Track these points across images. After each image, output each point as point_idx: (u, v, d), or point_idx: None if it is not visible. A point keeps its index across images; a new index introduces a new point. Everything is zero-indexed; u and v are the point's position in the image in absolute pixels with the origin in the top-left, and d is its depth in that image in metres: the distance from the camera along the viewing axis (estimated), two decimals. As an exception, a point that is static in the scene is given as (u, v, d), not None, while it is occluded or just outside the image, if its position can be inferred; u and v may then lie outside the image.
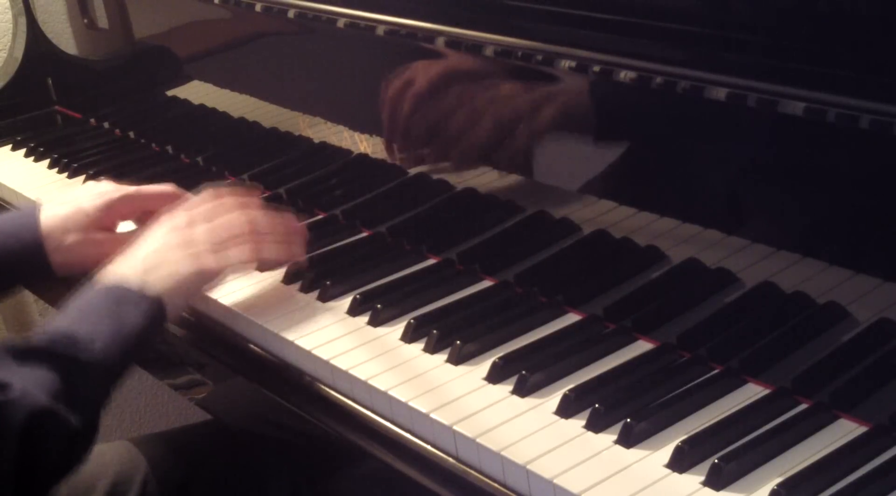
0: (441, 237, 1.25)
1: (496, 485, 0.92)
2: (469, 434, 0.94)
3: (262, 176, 1.49)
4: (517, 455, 0.90)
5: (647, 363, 1.01)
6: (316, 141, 1.42)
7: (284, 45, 1.44)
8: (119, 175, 1.56)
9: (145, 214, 1.27)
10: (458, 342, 1.05)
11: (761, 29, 0.94)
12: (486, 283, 1.18)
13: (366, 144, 1.34)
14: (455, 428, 0.95)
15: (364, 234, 1.32)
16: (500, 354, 1.03)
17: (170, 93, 1.67)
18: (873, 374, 0.92)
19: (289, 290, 1.20)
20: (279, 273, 1.22)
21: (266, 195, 1.46)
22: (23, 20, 1.85)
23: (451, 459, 0.95)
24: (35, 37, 1.87)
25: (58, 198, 1.27)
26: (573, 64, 1.06)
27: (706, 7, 0.99)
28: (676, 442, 0.89)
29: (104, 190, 1.26)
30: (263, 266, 1.21)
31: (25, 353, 0.98)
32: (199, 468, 1.30)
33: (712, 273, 1.02)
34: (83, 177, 1.59)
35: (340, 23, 1.29)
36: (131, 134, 1.75)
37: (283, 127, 1.47)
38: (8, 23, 1.88)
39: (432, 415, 0.97)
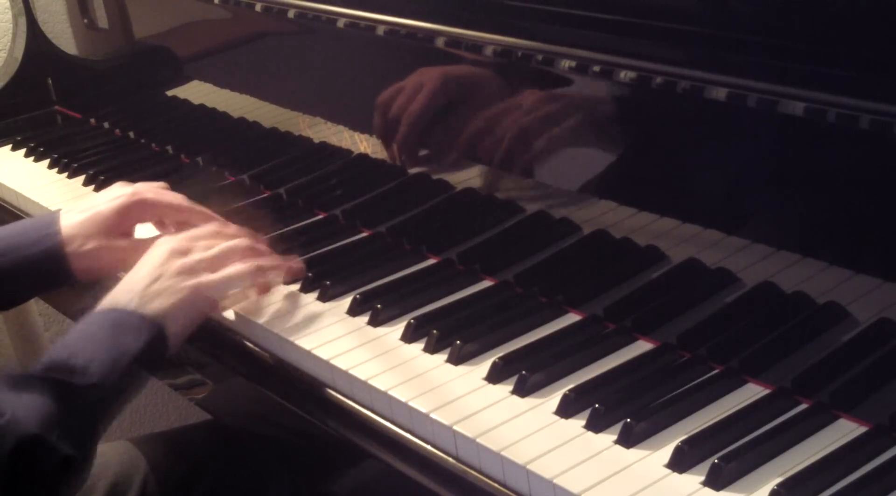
0: (441, 237, 1.25)
1: (496, 485, 0.92)
2: (469, 434, 0.94)
3: (262, 176, 1.49)
4: (517, 455, 0.90)
5: (647, 363, 1.01)
6: (316, 141, 1.42)
7: (284, 45, 1.44)
8: (119, 175, 1.57)
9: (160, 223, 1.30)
10: (458, 342, 1.05)
11: (761, 29, 0.94)
12: (486, 283, 1.18)
13: (366, 144, 1.34)
14: (455, 428, 0.95)
15: (364, 234, 1.32)
16: (500, 354, 1.03)
17: (170, 93, 1.67)
18: (873, 374, 0.92)
19: (289, 290, 1.20)
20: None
21: (266, 195, 1.46)
22: (23, 20, 1.85)
23: (451, 459, 0.95)
24: (35, 37, 1.87)
25: (77, 205, 1.28)
26: (573, 64, 1.06)
27: (706, 7, 0.99)
28: (676, 442, 0.89)
29: (121, 194, 1.27)
30: (262, 289, 1.19)
31: (20, 381, 0.98)
32: (199, 468, 1.30)
33: (712, 273, 1.02)
34: (83, 177, 1.59)
35: (340, 23, 1.29)
36: (131, 134, 1.75)
37: (283, 127, 1.47)
38: (8, 23, 1.88)
39: (432, 415, 0.97)
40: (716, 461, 0.86)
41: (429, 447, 0.97)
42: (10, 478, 0.93)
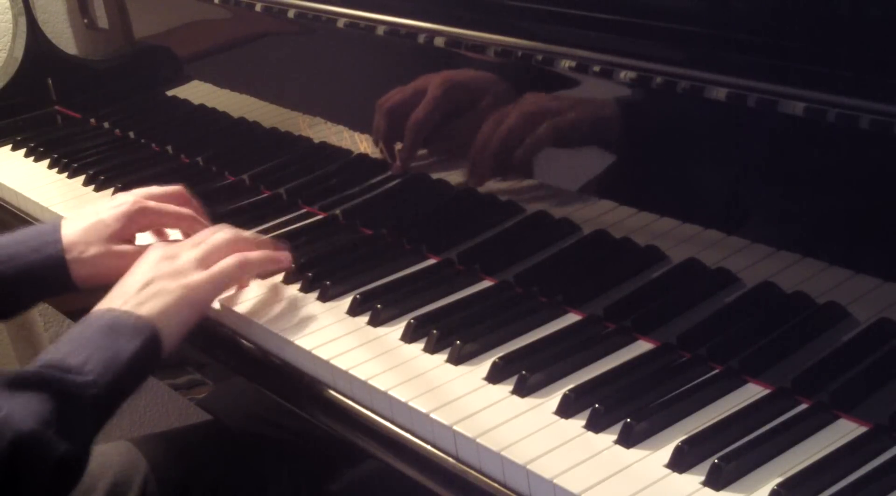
0: (441, 237, 1.25)
1: (496, 485, 0.92)
2: (469, 434, 0.94)
3: (262, 176, 1.49)
4: (517, 455, 0.90)
5: (647, 363, 1.01)
6: (316, 141, 1.42)
7: (284, 45, 1.45)
8: (119, 175, 1.57)
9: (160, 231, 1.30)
10: (458, 342, 1.05)
11: (761, 29, 0.94)
12: (486, 283, 1.18)
13: (366, 144, 1.34)
14: (455, 428, 0.95)
15: (364, 234, 1.32)
16: (500, 354, 1.03)
17: (170, 93, 1.67)
18: (873, 374, 0.92)
19: (289, 290, 1.20)
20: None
21: (266, 195, 1.46)
22: (23, 20, 1.85)
23: (451, 459, 0.95)
24: (35, 37, 1.87)
25: (79, 212, 1.28)
26: (573, 64, 1.06)
27: (706, 7, 0.99)
28: (676, 442, 0.89)
29: (123, 201, 1.27)
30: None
31: (16, 381, 0.97)
32: (199, 468, 1.30)
33: (712, 273, 1.02)
34: (83, 177, 1.59)
35: (340, 23, 1.29)
36: (131, 134, 1.75)
37: (283, 127, 1.47)
38: (8, 23, 1.88)
39: (432, 415, 0.97)
40: (716, 461, 0.86)
41: (429, 447, 0.97)
42: (5, 475, 0.93)
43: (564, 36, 1.07)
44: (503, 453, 0.91)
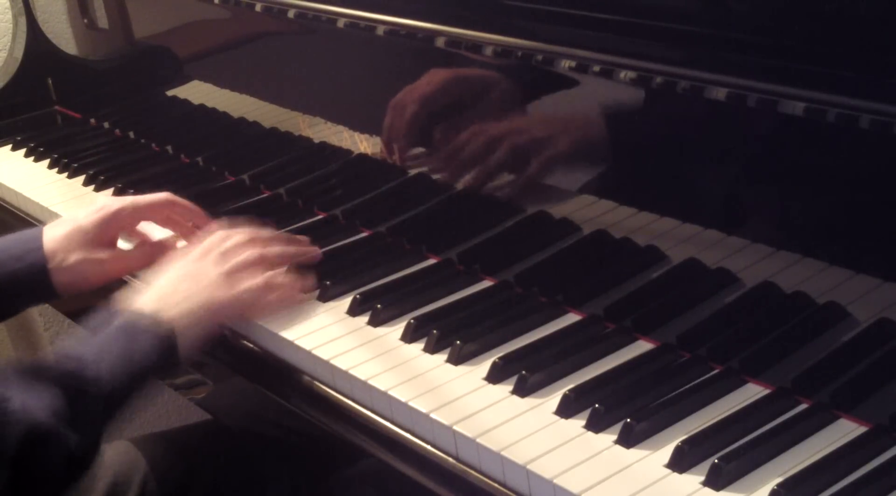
0: (441, 237, 1.25)
1: (496, 485, 0.92)
2: (469, 434, 0.94)
3: (262, 176, 1.49)
4: (517, 455, 0.90)
5: (647, 363, 1.01)
6: (316, 141, 1.42)
7: (284, 45, 1.44)
8: (119, 175, 1.57)
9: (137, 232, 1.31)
10: (458, 342, 1.05)
11: (761, 29, 0.94)
12: (486, 283, 1.18)
13: (366, 144, 1.34)
14: (455, 428, 0.95)
15: (364, 234, 1.32)
16: (500, 354, 1.03)
17: (170, 93, 1.67)
18: (873, 374, 0.92)
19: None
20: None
21: (266, 195, 1.46)
22: (23, 20, 1.85)
23: (451, 459, 0.95)
24: (35, 37, 1.87)
25: (58, 220, 1.28)
26: (573, 64, 1.06)
27: (706, 7, 0.99)
28: (676, 442, 0.89)
29: (100, 206, 1.27)
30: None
31: (31, 372, 0.98)
32: (199, 468, 1.30)
33: (712, 273, 1.02)
34: (83, 177, 1.59)
35: (340, 23, 1.29)
36: (131, 134, 1.75)
37: (283, 127, 1.47)
38: (8, 23, 1.88)
39: (432, 415, 0.97)
40: (716, 461, 0.86)
41: (429, 447, 0.97)
42: (18, 467, 0.93)
43: (564, 36, 1.07)
44: (503, 453, 0.91)
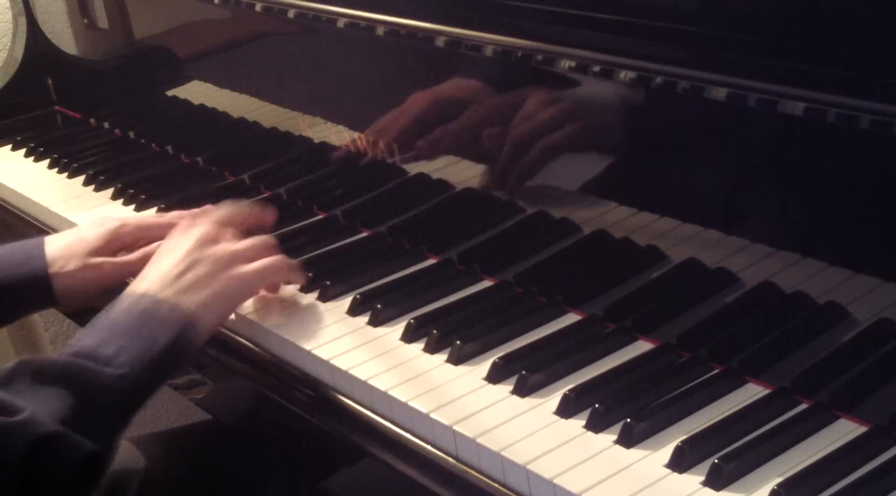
0: (441, 237, 1.25)
1: (496, 485, 0.92)
2: (469, 434, 0.94)
3: (262, 176, 1.49)
4: (517, 455, 0.90)
5: (647, 363, 1.01)
6: (316, 141, 1.42)
7: (284, 45, 1.44)
8: (119, 175, 1.57)
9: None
10: (458, 342, 1.05)
11: (761, 29, 0.94)
12: (486, 283, 1.18)
13: (366, 144, 1.33)
14: (455, 428, 0.95)
15: (364, 234, 1.32)
16: (500, 354, 1.03)
17: (170, 93, 1.67)
18: (873, 374, 0.92)
19: (289, 290, 1.20)
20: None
21: (266, 195, 1.46)
22: (23, 20, 1.85)
23: (451, 459, 0.95)
24: (35, 37, 1.87)
25: (62, 232, 1.28)
26: (573, 64, 1.06)
27: (706, 7, 0.99)
28: (676, 442, 0.89)
29: (103, 220, 1.27)
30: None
31: (44, 373, 0.96)
32: (199, 468, 1.30)
33: (712, 273, 1.02)
34: (83, 177, 1.59)
35: (340, 23, 1.29)
36: (131, 134, 1.75)
37: (283, 127, 1.47)
38: (8, 23, 1.88)
39: (432, 415, 0.97)
40: (716, 461, 0.86)
41: (429, 447, 0.97)
42: (25, 478, 0.91)
43: (564, 36, 1.07)
44: (503, 453, 0.91)
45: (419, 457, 0.98)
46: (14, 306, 1.25)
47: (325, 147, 1.40)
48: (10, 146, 1.76)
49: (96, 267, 1.22)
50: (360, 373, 1.04)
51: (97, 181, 1.56)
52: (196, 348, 1.06)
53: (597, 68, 1.04)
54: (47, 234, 1.32)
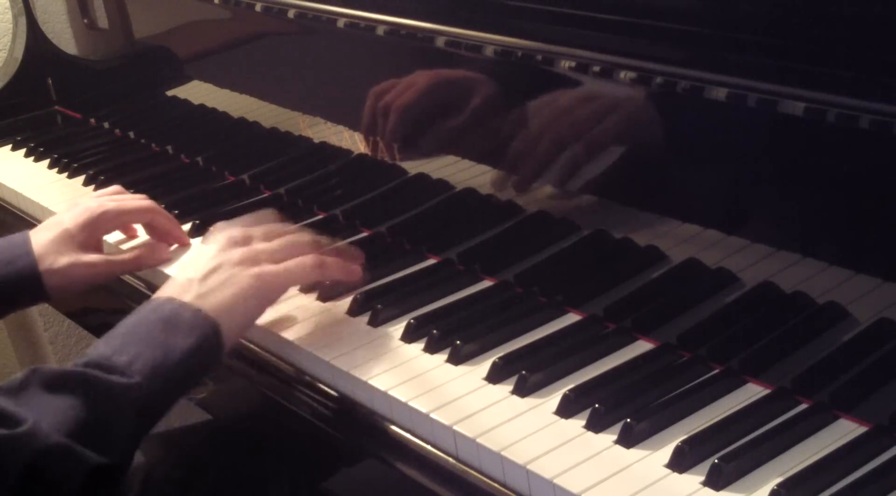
0: (441, 237, 1.25)
1: (496, 485, 0.92)
2: (469, 434, 0.94)
3: (262, 176, 1.49)
4: (517, 455, 0.90)
5: (647, 363, 1.01)
6: (316, 141, 1.42)
7: (284, 45, 1.44)
8: (119, 175, 1.57)
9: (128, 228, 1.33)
10: (458, 342, 1.05)
11: (761, 29, 0.94)
12: (486, 283, 1.18)
13: (366, 144, 1.33)
14: (455, 428, 0.95)
15: (364, 234, 1.32)
16: (500, 354, 1.03)
17: (170, 93, 1.67)
18: (873, 374, 0.92)
19: (288, 291, 1.20)
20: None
21: (266, 195, 1.46)
22: (23, 20, 1.85)
23: (451, 459, 0.95)
24: (35, 37, 1.87)
25: (43, 223, 1.27)
26: (573, 64, 1.06)
27: (706, 7, 0.99)
28: (676, 442, 0.89)
29: (83, 208, 1.27)
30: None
31: (56, 383, 0.94)
32: (199, 468, 1.30)
33: (712, 273, 1.02)
34: (83, 177, 1.59)
35: (340, 23, 1.29)
36: (131, 134, 1.75)
37: (283, 127, 1.47)
38: (8, 23, 1.88)
39: (432, 415, 0.97)
40: (716, 461, 0.86)
41: (429, 447, 0.97)
42: (27, 491, 0.89)
43: (564, 36, 1.07)
44: (503, 453, 0.91)
45: (419, 458, 0.98)
46: (4, 303, 1.25)
47: (325, 147, 1.40)
48: (10, 146, 1.76)
49: (89, 265, 1.22)
50: (359, 373, 1.04)
51: (97, 181, 1.57)
52: (220, 355, 1.03)
53: (597, 68, 1.04)
54: (47, 233, 1.32)
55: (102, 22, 1.75)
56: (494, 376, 1.01)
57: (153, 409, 0.99)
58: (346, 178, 1.40)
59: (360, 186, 1.37)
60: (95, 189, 1.55)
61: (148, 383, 0.96)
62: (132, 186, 1.51)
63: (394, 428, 1.00)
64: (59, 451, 0.91)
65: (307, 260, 1.10)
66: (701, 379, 0.97)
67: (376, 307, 1.13)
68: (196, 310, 1.01)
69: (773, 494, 0.83)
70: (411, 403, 0.99)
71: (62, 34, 1.85)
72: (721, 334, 1.01)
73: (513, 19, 1.12)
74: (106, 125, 1.81)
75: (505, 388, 1.00)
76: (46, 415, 0.92)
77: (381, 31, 1.24)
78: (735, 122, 0.96)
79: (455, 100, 1.20)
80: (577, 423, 0.94)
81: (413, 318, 1.10)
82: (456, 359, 1.04)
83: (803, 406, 0.93)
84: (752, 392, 0.95)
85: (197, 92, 1.62)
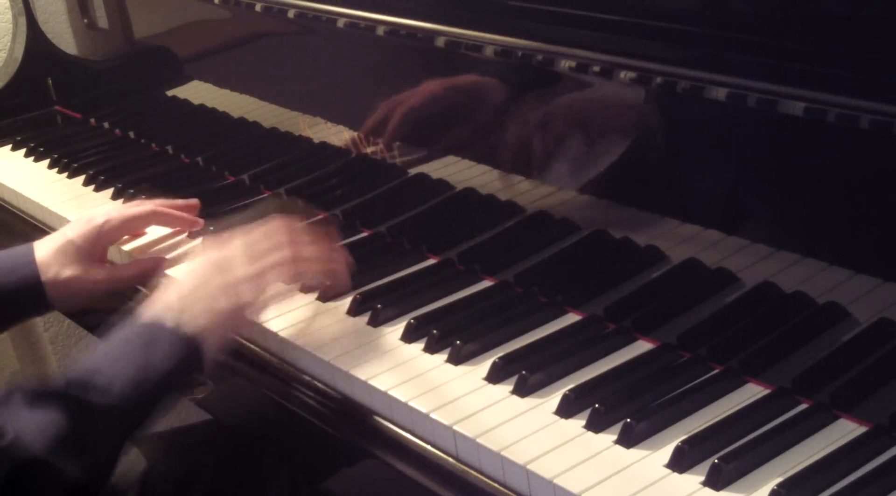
0: (441, 237, 1.25)
1: (496, 485, 0.92)
2: (469, 434, 0.94)
3: (262, 176, 1.49)
4: (517, 455, 0.90)
5: (647, 363, 1.01)
6: (316, 141, 1.42)
7: (284, 45, 1.45)
8: (119, 175, 1.57)
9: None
10: (458, 342, 1.05)
11: (761, 29, 0.94)
12: (486, 283, 1.18)
13: (365, 144, 1.34)
14: (455, 428, 0.95)
15: (364, 234, 1.32)
16: (500, 354, 1.03)
17: (170, 93, 1.67)
18: (873, 374, 0.92)
19: (288, 291, 1.20)
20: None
21: (266, 195, 1.46)
22: (23, 20, 1.85)
23: (451, 459, 0.95)
24: (35, 37, 1.87)
25: (48, 236, 1.27)
26: (573, 64, 1.06)
27: (706, 7, 0.99)
28: (676, 442, 0.89)
29: (87, 218, 1.28)
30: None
31: (37, 397, 0.95)
32: (199, 468, 1.30)
33: (712, 273, 1.02)
34: (83, 177, 1.59)
35: (340, 23, 1.29)
36: (131, 134, 1.75)
37: (283, 127, 1.47)
38: (8, 23, 1.88)
39: (432, 415, 0.97)
40: (716, 461, 0.86)
41: (429, 447, 0.97)
42: None
43: (564, 36, 1.07)
44: (503, 453, 0.91)
45: (419, 458, 0.98)
46: (7, 314, 1.25)
47: (325, 147, 1.40)
48: (10, 146, 1.76)
49: (93, 280, 1.23)
50: (359, 373, 1.04)
51: (97, 181, 1.56)
52: (200, 370, 1.05)
53: (597, 68, 1.04)
54: (47, 233, 1.32)
55: (102, 22, 1.75)
56: (494, 376, 1.01)
57: (134, 424, 1.01)
58: (346, 178, 1.40)
59: (360, 186, 1.37)
60: (95, 189, 1.55)
61: (127, 403, 0.98)
62: (132, 186, 1.51)
63: (394, 428, 1.00)
64: (39, 466, 0.92)
65: (280, 258, 1.10)
66: (701, 379, 0.97)
67: (376, 307, 1.13)
68: (173, 332, 1.02)
69: (773, 494, 0.83)
70: (411, 403, 0.99)
71: (62, 34, 1.85)
72: (721, 334, 1.01)
73: (513, 19, 1.12)
74: (106, 125, 1.81)
75: (505, 388, 1.00)
76: (27, 431, 0.93)
77: (381, 31, 1.24)
78: (735, 122, 0.96)
79: (455, 101, 1.20)
80: (577, 423, 0.94)
81: (413, 318, 1.10)
82: (456, 359, 1.04)
83: (803, 406, 0.93)
84: (752, 392, 0.95)
85: (197, 92, 1.62)
